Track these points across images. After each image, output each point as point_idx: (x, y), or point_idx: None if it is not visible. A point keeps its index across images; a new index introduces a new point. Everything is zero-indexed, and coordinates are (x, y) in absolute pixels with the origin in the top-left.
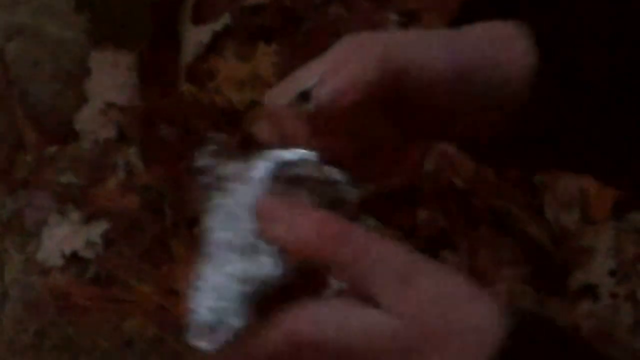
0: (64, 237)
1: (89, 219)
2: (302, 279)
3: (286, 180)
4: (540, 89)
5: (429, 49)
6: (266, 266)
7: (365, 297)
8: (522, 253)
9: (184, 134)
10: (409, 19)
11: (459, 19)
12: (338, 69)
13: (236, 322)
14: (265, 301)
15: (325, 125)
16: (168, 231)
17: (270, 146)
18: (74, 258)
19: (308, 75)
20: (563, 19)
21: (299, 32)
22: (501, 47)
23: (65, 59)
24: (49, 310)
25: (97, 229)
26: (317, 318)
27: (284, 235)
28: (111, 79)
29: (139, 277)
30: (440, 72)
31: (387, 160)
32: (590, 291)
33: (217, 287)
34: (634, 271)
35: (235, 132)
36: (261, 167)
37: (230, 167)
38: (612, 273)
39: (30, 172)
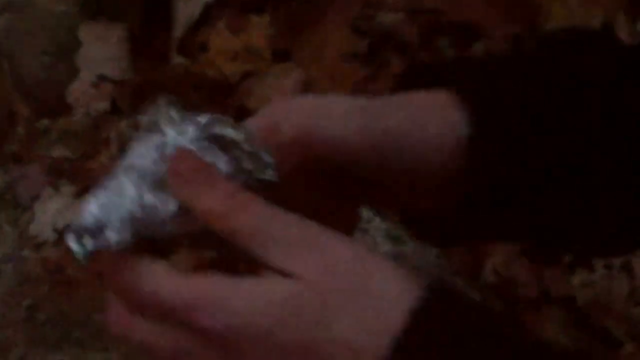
0: (56, 210)
1: (81, 192)
2: (198, 239)
3: (215, 139)
4: (473, 159)
5: (344, 123)
6: (168, 206)
7: (268, 266)
8: None
9: (181, 106)
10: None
11: (399, 87)
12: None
13: (113, 238)
14: (154, 238)
15: None
16: None
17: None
18: None
19: None
20: (496, 89)
21: (291, 3)
22: (432, 116)
23: (56, 32)
24: (43, 285)
25: None
26: (220, 310)
27: (190, 197)
28: (102, 51)
29: None
30: (353, 146)
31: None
32: (585, 262)
33: (111, 200)
34: None
35: (227, 103)
36: (200, 120)
37: (168, 114)
38: None
39: (22, 146)
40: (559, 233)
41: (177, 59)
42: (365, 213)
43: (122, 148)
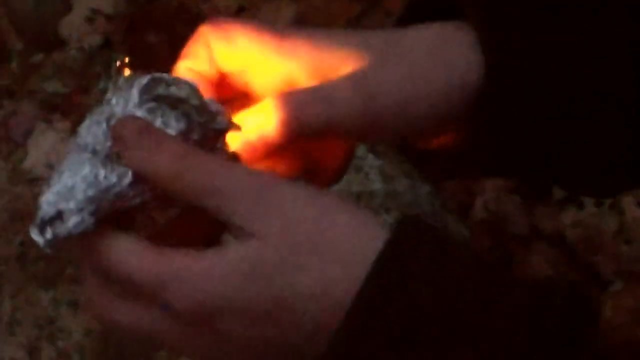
0: (50, 146)
1: (75, 127)
2: (159, 204)
3: (162, 99)
4: (485, 102)
5: (341, 104)
6: (123, 178)
7: (226, 225)
8: None
9: (170, 40)
10: None
11: (404, 18)
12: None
13: (72, 222)
14: (117, 211)
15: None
16: None
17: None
18: None
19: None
20: (511, 24)
21: None
22: (440, 61)
23: None
24: None
25: None
26: (184, 287)
27: (139, 162)
28: None
29: None
30: (352, 122)
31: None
32: (575, 199)
33: (67, 185)
34: None
35: None
36: (141, 83)
37: (117, 82)
38: None
39: (15, 81)
40: (553, 169)
41: None
42: (360, 150)
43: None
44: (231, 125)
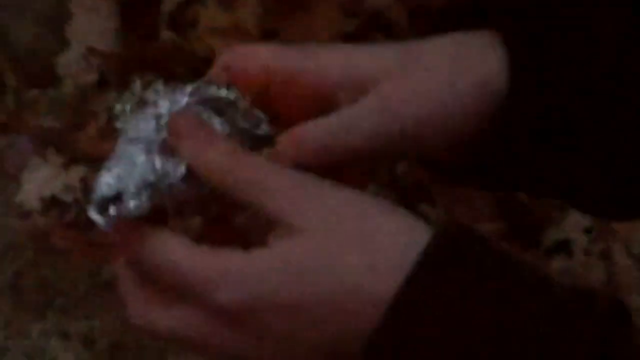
0: (43, 180)
1: (68, 163)
2: (199, 207)
3: (210, 101)
4: (507, 113)
5: (366, 131)
6: (177, 170)
7: (271, 221)
8: (498, 209)
9: (164, 79)
10: None
11: (439, 26)
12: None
13: (132, 204)
14: (165, 206)
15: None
16: None
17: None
18: (53, 201)
19: None
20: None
21: None
22: (463, 68)
23: (47, 3)
24: (27, 252)
25: (77, 173)
26: (234, 285)
27: (193, 153)
28: (93, 24)
29: None
30: (376, 146)
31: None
32: (564, 247)
33: (124, 169)
34: (608, 229)
35: None
36: (185, 91)
37: (157, 93)
38: (588, 230)
39: (10, 116)
40: (571, 184)
41: (166, 34)
42: None
43: (110, 120)
44: (275, 133)
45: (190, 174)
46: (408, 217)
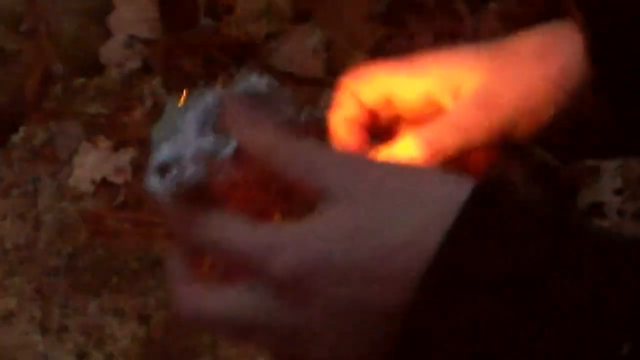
0: (94, 164)
1: (117, 146)
2: (242, 192)
3: (255, 97)
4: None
5: (471, 127)
6: (227, 146)
7: (316, 195)
8: (531, 173)
9: (204, 64)
10: None
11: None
12: None
13: (190, 170)
14: (212, 184)
15: None
16: None
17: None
18: (104, 184)
19: None
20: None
21: None
22: (548, 58)
23: None
24: (81, 234)
25: (126, 156)
26: (289, 253)
27: (244, 132)
28: (134, 13)
29: None
30: (482, 138)
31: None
32: (598, 210)
33: (183, 139)
34: (639, 190)
35: (253, 63)
36: (236, 83)
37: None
38: (618, 191)
39: (59, 104)
40: None
41: (204, 21)
42: None
43: (155, 105)
44: (317, 119)
45: (240, 155)
46: (449, 173)
